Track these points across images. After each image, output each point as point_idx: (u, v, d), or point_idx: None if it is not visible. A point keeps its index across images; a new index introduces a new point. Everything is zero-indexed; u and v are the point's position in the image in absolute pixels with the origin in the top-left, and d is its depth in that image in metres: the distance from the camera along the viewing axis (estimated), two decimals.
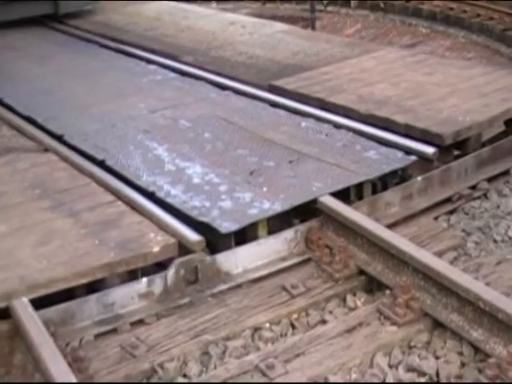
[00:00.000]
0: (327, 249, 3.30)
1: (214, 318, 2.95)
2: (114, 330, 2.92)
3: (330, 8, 11.11)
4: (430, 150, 3.94)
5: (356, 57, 5.57)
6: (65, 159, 4.08)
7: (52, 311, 2.88)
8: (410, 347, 2.73)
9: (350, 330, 2.81)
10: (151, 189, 3.70)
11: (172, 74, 5.62)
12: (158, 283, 3.07)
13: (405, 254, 3.00)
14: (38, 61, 6.22)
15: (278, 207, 3.43)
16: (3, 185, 3.76)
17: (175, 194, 3.63)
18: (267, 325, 2.92)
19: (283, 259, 3.33)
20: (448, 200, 3.78)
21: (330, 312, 3.00)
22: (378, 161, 3.87)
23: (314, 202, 3.55)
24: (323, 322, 2.93)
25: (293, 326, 2.94)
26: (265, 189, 3.61)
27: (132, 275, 3.10)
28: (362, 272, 3.20)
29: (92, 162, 4.09)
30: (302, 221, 3.51)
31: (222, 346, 2.79)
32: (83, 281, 2.96)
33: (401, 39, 10.15)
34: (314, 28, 7.24)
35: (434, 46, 9.78)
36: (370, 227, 3.21)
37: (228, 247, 3.31)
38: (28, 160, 4.07)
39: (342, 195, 3.68)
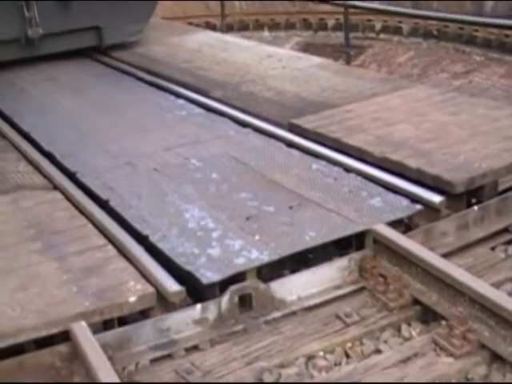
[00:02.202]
0: (381, 278, 3.29)
1: (268, 345, 2.97)
2: (169, 356, 2.96)
3: (382, 35, 10.97)
4: (436, 198, 3.78)
5: (384, 94, 5.44)
6: (69, 198, 4.10)
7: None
8: (468, 380, 2.67)
9: (405, 361, 2.78)
10: (145, 232, 3.66)
11: (197, 110, 5.60)
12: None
13: (461, 284, 2.96)
14: (73, 93, 6.32)
15: (265, 257, 3.34)
16: (2, 224, 3.80)
17: (168, 239, 3.58)
18: (321, 353, 2.92)
19: (337, 287, 3.33)
20: (505, 230, 3.71)
21: (385, 342, 2.98)
22: (381, 209, 3.73)
23: (309, 251, 3.47)
24: (378, 351, 2.91)
25: (347, 355, 2.92)
26: (257, 236, 3.52)
27: (108, 324, 3.06)
28: (416, 302, 3.17)
29: (98, 201, 4.11)
30: (293, 271, 3.42)
31: (275, 373, 2.80)
32: (54, 330, 2.93)
33: (454, 67, 9.93)
34: (348, 63, 7.12)
35: (488, 74, 9.53)
36: (425, 256, 3.20)
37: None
38: (33, 198, 4.10)
39: (344, 243, 3.59)
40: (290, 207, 3.81)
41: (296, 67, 6.44)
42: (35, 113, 5.85)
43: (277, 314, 3.17)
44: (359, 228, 3.55)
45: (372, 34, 10.85)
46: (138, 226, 3.74)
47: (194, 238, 3.56)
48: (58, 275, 3.26)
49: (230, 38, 8.07)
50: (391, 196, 3.87)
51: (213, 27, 10.84)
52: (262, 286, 3.19)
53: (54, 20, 7.00)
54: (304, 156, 4.52)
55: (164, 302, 3.15)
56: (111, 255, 3.42)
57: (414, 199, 3.82)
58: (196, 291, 3.26)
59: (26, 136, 5.31)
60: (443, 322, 2.96)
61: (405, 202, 3.79)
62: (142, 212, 3.90)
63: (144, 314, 3.14)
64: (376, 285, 3.26)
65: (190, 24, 10.65)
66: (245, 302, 3.17)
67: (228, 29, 10.39)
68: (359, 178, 4.12)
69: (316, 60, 6.77)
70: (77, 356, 2.82)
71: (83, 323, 2.90)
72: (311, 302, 3.25)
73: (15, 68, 7.13)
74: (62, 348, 2.88)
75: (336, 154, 4.45)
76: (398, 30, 11.02)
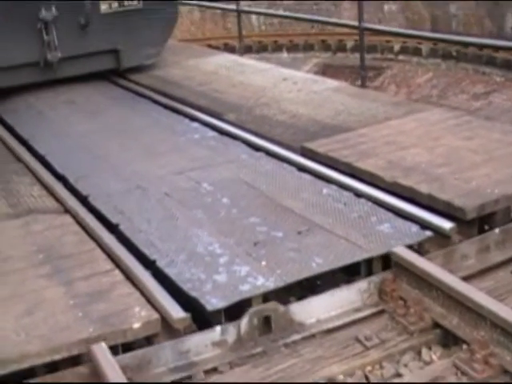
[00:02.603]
0: (401, 301, 3.27)
1: (287, 367, 2.96)
2: (189, 378, 2.97)
3: (401, 57, 10.96)
4: (447, 225, 3.74)
5: (399, 118, 5.41)
6: (79, 222, 4.11)
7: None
8: None
9: None
10: (153, 257, 3.67)
11: (211, 133, 5.62)
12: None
13: (482, 307, 2.94)
14: (89, 116, 6.37)
15: (271, 284, 3.32)
16: (12, 248, 3.82)
17: (175, 264, 3.58)
18: (341, 376, 2.90)
19: (357, 310, 3.32)
20: None
21: (405, 365, 2.95)
22: (390, 235, 3.70)
23: (317, 277, 3.46)
24: (398, 375, 2.89)
25: (367, 379, 2.90)
26: (264, 262, 3.50)
27: (112, 351, 3.05)
28: (437, 325, 3.14)
29: (108, 225, 4.12)
30: (300, 298, 3.40)
31: None
32: (57, 357, 2.93)
33: (474, 88, 9.89)
34: (364, 85, 7.12)
35: (508, 95, 9.48)
36: (446, 279, 3.18)
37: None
38: (44, 222, 4.12)
39: (352, 269, 3.57)
40: (299, 232, 3.79)
41: (311, 90, 6.44)
42: (51, 136, 5.90)
43: (296, 337, 3.16)
44: (366, 255, 3.52)
45: (391, 55, 10.84)
46: (146, 251, 3.74)
47: (201, 264, 3.56)
48: (65, 300, 3.27)
49: (247, 61, 8.10)
50: (401, 222, 3.84)
51: (231, 49, 10.91)
52: (281, 308, 3.19)
53: (73, 43, 7.07)
54: (315, 180, 4.51)
55: (169, 329, 3.14)
56: (118, 280, 3.43)
57: (425, 225, 3.78)
58: (202, 317, 3.25)
59: (42, 159, 5.36)
60: (464, 346, 2.95)
61: (414, 228, 3.75)
62: (151, 236, 3.90)
63: (149, 341, 3.14)
64: (396, 308, 3.25)
65: (209, 46, 10.73)
66: (264, 324, 3.16)
67: (247, 50, 10.43)
68: (369, 203, 4.09)
69: (332, 83, 6.77)
70: (97, 377, 2.83)
71: (103, 344, 2.92)
72: (330, 325, 3.23)
73: (35, 91, 7.20)
74: (82, 369, 2.90)
75: (347, 178, 4.43)
76: (417, 51, 11.00)
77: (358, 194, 4.22)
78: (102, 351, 2.88)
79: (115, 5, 7.31)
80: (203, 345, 3.06)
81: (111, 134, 5.80)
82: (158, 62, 7.92)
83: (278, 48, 12.24)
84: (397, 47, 11.27)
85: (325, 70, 10.94)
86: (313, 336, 3.18)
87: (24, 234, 4.01)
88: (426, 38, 8.42)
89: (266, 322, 3.18)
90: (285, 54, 11.15)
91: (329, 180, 4.47)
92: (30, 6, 6.75)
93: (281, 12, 11.83)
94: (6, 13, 6.65)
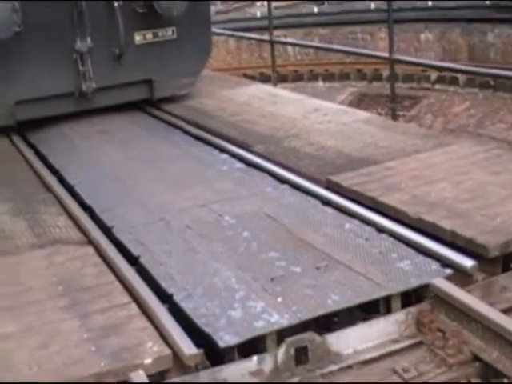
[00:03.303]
0: (440, 332, 3.25)
1: None
2: None
3: (437, 86, 10.88)
4: (468, 263, 3.67)
5: (427, 151, 5.36)
6: (101, 254, 4.15)
7: None
8: None
9: None
10: (171, 291, 3.67)
11: (238, 165, 5.63)
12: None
13: None
14: (120, 146, 6.45)
15: (285, 321, 3.29)
16: (33, 279, 3.87)
17: (191, 298, 3.57)
18: None
19: (394, 341, 3.29)
20: None
21: None
22: (409, 273, 3.65)
23: (334, 314, 3.42)
24: None
25: None
26: (279, 299, 3.48)
27: None
28: (476, 358, 3.09)
29: (129, 256, 4.15)
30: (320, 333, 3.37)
31: None
32: None
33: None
34: (394, 117, 7.07)
35: None
36: (485, 312, 3.15)
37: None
38: (66, 253, 4.17)
39: (371, 306, 3.52)
40: (317, 268, 3.76)
41: (341, 122, 6.42)
42: (82, 166, 5.98)
43: (333, 368, 3.14)
44: (384, 293, 3.48)
45: (427, 85, 10.77)
46: (164, 284, 3.75)
47: (217, 298, 3.55)
48: (79, 334, 3.29)
49: (280, 91, 8.13)
50: (421, 259, 3.78)
51: (267, 78, 10.96)
52: (318, 338, 3.19)
53: (107, 74, 7.18)
54: (338, 214, 4.48)
55: (181, 364, 3.13)
56: (133, 314, 3.44)
57: (446, 263, 3.72)
58: (215, 352, 3.24)
59: (71, 189, 5.43)
60: (505, 380, 2.92)
61: (435, 265, 3.69)
62: (170, 270, 3.91)
63: (161, 376, 3.13)
64: (434, 340, 3.22)
65: (245, 75, 10.79)
66: (301, 354, 3.16)
67: (282, 79, 10.48)
68: (391, 239, 4.04)
69: (362, 114, 6.75)
70: None
71: (141, 372, 2.95)
72: (368, 356, 3.20)
73: (70, 121, 7.32)
74: None
75: (370, 213, 4.39)
76: (453, 81, 10.93)
77: (380, 230, 4.18)
78: (140, 379, 2.93)
79: (149, 36, 7.41)
80: (240, 374, 3.07)
81: (140, 165, 5.86)
82: (193, 91, 7.97)
83: (313, 77, 12.25)
84: (433, 77, 11.20)
85: (360, 99, 10.91)
86: (350, 367, 3.15)
87: (46, 264, 4.05)
88: (456, 70, 8.34)
89: (303, 352, 3.17)
90: (320, 83, 11.17)
91: (352, 214, 4.44)
92: (66, 37, 6.89)
93: (315, 42, 11.87)
94: (42, 44, 6.79)
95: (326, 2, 14.12)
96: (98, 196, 5.19)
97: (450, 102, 10.44)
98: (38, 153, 6.56)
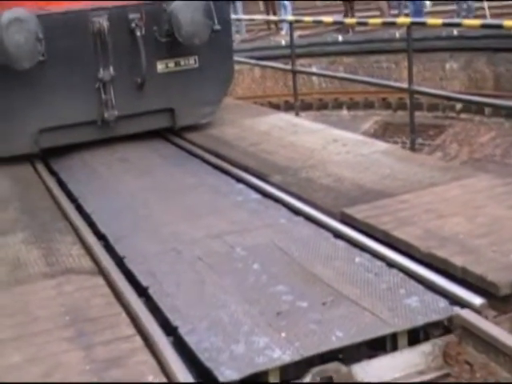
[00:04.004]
0: (467, 365, 3.24)
1: None
2: None
3: (463, 115, 10.81)
4: (477, 301, 3.62)
5: (444, 184, 5.31)
6: (110, 284, 4.17)
7: None
8: None
9: None
10: (176, 323, 3.67)
11: (254, 195, 5.64)
12: None
13: None
14: (138, 174, 6.49)
15: (287, 357, 3.27)
16: (41, 309, 3.89)
17: (196, 332, 3.57)
18: None
19: (421, 373, 3.29)
20: None
21: None
22: (416, 310, 3.60)
23: (339, 351, 3.39)
24: None
25: None
26: (283, 334, 3.46)
27: None
28: None
29: (139, 287, 4.16)
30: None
31: None
32: None
33: None
34: (413, 148, 7.03)
35: None
36: None
37: None
38: (76, 283, 4.19)
39: (378, 343, 3.49)
40: (324, 303, 3.73)
41: (360, 153, 6.40)
42: (100, 194, 6.03)
43: None
44: (389, 330, 3.44)
45: (452, 114, 10.70)
46: (170, 317, 3.75)
47: (221, 332, 3.54)
48: (82, 365, 3.30)
49: (301, 121, 8.13)
50: (430, 295, 3.73)
51: (291, 106, 10.97)
52: (343, 368, 3.19)
53: (129, 102, 7.23)
54: (350, 248, 4.45)
55: None
56: (137, 346, 3.44)
57: (455, 300, 3.67)
58: None
59: (87, 217, 5.47)
60: None
61: (443, 303, 3.65)
62: (177, 301, 3.91)
63: None
64: (461, 372, 3.21)
65: (270, 103, 10.82)
66: None
67: (307, 108, 10.50)
68: (400, 274, 4.00)
69: (381, 145, 6.72)
70: None
71: None
72: None
73: (92, 148, 7.38)
74: None
75: (382, 247, 4.36)
76: (479, 110, 10.84)
77: (391, 264, 4.14)
78: None
79: (172, 64, 7.46)
80: None
81: (157, 193, 5.89)
82: (214, 120, 8.00)
83: (338, 105, 12.25)
84: (459, 106, 11.14)
85: (385, 128, 10.88)
86: None
87: (55, 294, 4.08)
88: (473, 102, 8.27)
89: (328, 383, 3.18)
90: (345, 112, 11.16)
91: (363, 248, 4.41)
92: (89, 66, 6.98)
93: (340, 71, 11.88)
94: (65, 72, 6.89)
95: (350, 31, 14.15)
96: (112, 225, 5.22)
97: (476, 132, 10.36)
98: (59, 180, 6.63)
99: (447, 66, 12.04)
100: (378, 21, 9.89)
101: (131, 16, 7.07)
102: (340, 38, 13.58)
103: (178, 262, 4.44)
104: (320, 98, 12.40)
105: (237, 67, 11.94)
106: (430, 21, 8.60)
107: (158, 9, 7.16)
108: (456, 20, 9.25)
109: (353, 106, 12.24)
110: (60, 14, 6.80)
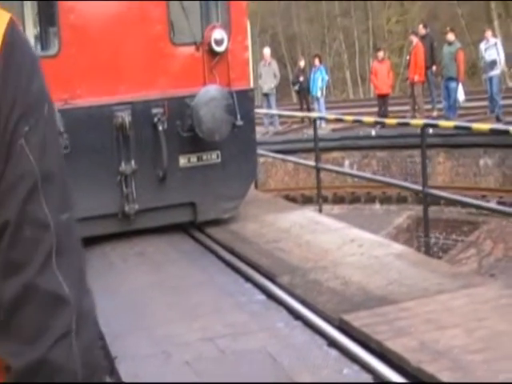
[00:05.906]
0: None
1: None
2: None
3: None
4: None
5: (451, 291, 5.18)
6: None
7: None
8: None
9: None
10: None
11: (258, 296, 5.59)
12: None
13: None
14: (151, 269, 6.53)
15: None
16: None
17: None
18: None
19: None
20: None
21: None
22: None
23: None
24: None
25: None
26: None
27: None
28: None
29: None
30: None
31: None
32: None
33: None
34: (428, 252, 6.87)
35: None
36: None
37: None
38: None
39: None
40: None
41: (373, 255, 6.31)
42: (112, 289, 6.05)
43: None
44: None
45: (487, 210, 10.51)
46: None
47: None
48: None
49: (322, 218, 8.10)
50: None
51: (323, 199, 10.98)
52: None
53: (150, 196, 7.27)
54: (340, 357, 4.35)
55: None
56: None
57: None
58: None
59: None
60: None
61: None
62: None
63: None
64: None
65: (302, 195, 10.84)
66: None
67: (340, 201, 10.47)
68: None
69: (397, 248, 6.61)
70: None
71: None
72: None
73: (112, 241, 7.42)
74: None
75: (372, 358, 4.24)
76: None
77: (379, 377, 4.02)
78: None
79: (194, 159, 7.51)
80: None
81: (163, 291, 5.89)
82: (237, 213, 8.01)
83: (370, 199, 12.17)
84: (493, 202, 10.96)
85: (418, 223, 10.74)
86: None
87: None
88: (493, 210, 8.11)
89: None
90: (377, 206, 11.09)
91: (354, 359, 4.30)
92: (111, 160, 7.10)
93: (372, 166, 11.88)
94: (87, 165, 7.01)
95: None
96: (113, 323, 5.21)
97: (511, 229, 10.15)
98: None
99: (481, 161, 11.92)
100: (394, 121, 9.93)
101: (154, 111, 7.19)
102: (373, 133, 13.60)
103: (165, 367, 4.40)
104: (353, 191, 12.36)
105: (270, 159, 12.03)
106: (442, 123, 8.60)
107: (181, 103, 7.27)
108: (466, 124, 9.18)
109: (385, 199, 12.13)
110: (84, 108, 6.96)
